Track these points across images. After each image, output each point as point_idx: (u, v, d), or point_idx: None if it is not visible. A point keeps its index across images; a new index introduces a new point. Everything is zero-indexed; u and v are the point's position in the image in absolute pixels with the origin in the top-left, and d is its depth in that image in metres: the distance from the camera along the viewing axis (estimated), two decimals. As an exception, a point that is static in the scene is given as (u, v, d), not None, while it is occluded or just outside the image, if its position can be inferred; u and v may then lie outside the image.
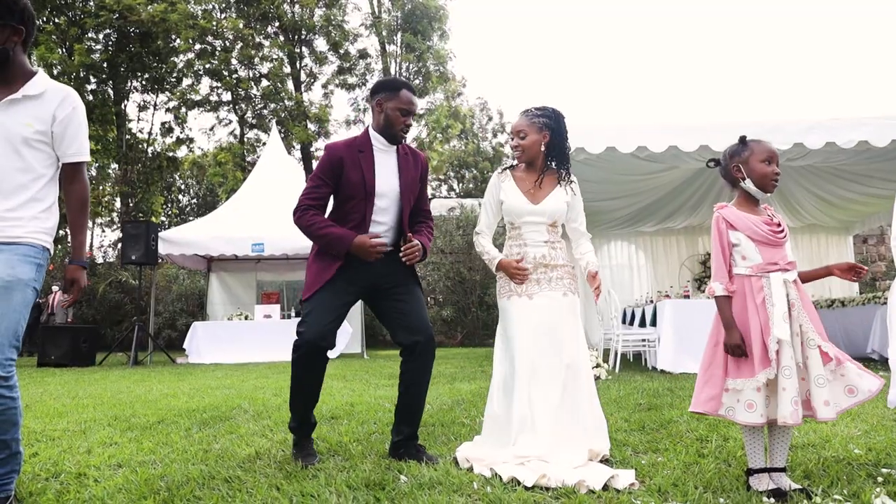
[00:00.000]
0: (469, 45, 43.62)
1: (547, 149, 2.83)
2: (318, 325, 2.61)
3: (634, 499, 2.02)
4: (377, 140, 2.78)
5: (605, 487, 2.16)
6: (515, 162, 2.93)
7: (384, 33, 22.57)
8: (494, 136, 28.37)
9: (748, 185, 2.24)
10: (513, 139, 2.87)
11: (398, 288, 2.78)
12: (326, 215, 2.78)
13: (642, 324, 8.14)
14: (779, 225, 2.21)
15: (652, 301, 8.48)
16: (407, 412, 2.77)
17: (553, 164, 2.87)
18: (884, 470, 2.29)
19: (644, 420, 3.43)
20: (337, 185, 2.72)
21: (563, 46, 46.77)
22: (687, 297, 7.51)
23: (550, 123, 2.82)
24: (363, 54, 22.46)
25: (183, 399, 4.93)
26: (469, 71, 46.91)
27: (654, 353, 7.08)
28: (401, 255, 2.70)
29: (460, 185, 27.71)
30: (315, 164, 21.59)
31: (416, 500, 2.05)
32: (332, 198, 2.82)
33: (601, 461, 2.50)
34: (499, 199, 2.89)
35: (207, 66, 20.51)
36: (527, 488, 2.19)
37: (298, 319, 2.74)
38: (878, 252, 15.38)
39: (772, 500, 1.97)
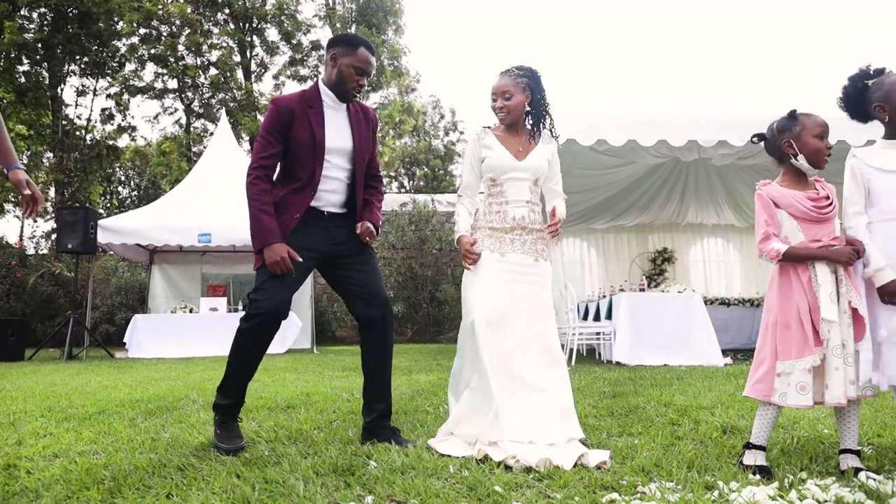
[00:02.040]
0: (422, 42, 43.48)
1: (528, 109, 2.80)
2: (278, 296, 2.47)
3: (620, 478, 1.94)
4: (327, 96, 2.65)
5: (576, 466, 2.10)
6: (495, 123, 2.88)
7: (338, 25, 22.16)
8: (446, 134, 28.32)
9: (801, 161, 2.16)
10: (496, 100, 2.79)
11: (355, 256, 2.68)
12: (276, 172, 2.63)
13: (596, 318, 8.20)
14: (827, 198, 2.14)
15: (605, 295, 8.55)
16: (378, 387, 2.64)
17: (531, 123, 2.83)
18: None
19: (612, 406, 3.38)
20: (286, 141, 2.57)
21: (517, 41, 47.12)
22: (643, 290, 7.59)
23: (531, 83, 2.78)
24: (316, 46, 21.99)
25: (125, 390, 4.62)
26: (422, 68, 46.73)
27: (609, 347, 7.12)
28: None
29: (411, 182, 27.53)
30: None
31: (392, 486, 1.91)
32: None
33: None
34: (480, 157, 2.81)
35: (153, 51, 19.66)
36: (507, 468, 2.09)
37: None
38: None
39: (758, 476, 1.93)
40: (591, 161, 8.00)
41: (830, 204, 2.13)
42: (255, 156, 2.58)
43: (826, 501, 1.69)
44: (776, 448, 2.33)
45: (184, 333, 9.75)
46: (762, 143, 2.30)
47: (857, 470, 1.94)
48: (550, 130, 2.88)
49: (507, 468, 2.12)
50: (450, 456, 2.31)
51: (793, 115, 2.20)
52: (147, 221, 10.07)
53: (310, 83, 22.37)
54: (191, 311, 10.29)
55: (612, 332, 7.10)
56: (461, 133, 28.43)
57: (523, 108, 2.79)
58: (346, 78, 2.60)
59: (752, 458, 2.06)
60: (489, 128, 2.89)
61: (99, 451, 2.49)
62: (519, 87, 2.76)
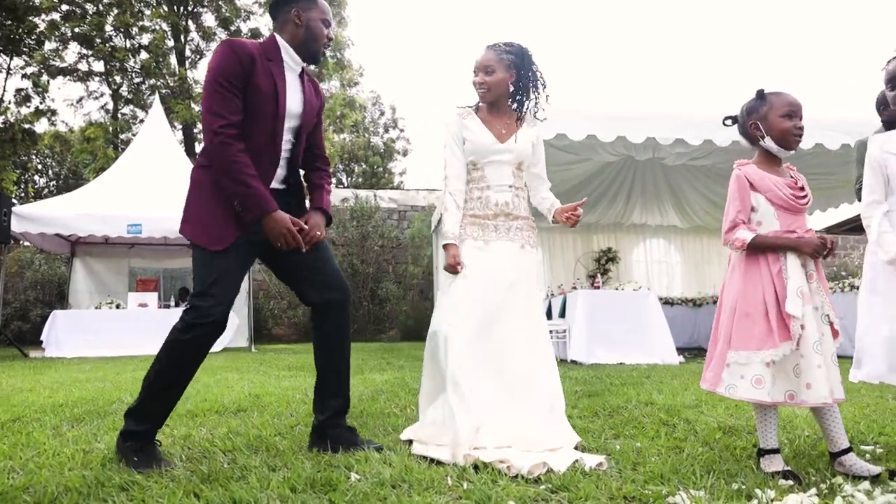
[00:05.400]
0: (363, 37, 42.83)
1: (513, 89, 2.57)
2: (227, 300, 2.09)
3: (641, 487, 1.73)
4: (287, 54, 2.29)
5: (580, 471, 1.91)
6: (477, 102, 2.64)
7: (279, 13, 21.39)
8: (386, 131, 27.95)
9: (768, 143, 2.02)
10: (477, 74, 2.55)
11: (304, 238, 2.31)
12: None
13: (549, 316, 8.10)
14: (802, 189, 2.00)
15: (553, 294, 8.48)
16: (335, 379, 2.33)
17: (516, 105, 2.61)
18: (864, 447, 2.17)
19: (592, 406, 3.20)
20: (243, 94, 2.16)
21: (465, 36, 47.12)
22: (597, 287, 7.53)
23: (517, 61, 2.55)
24: (255, 34, 21.10)
25: (44, 394, 4.09)
26: (363, 63, 46.02)
27: (564, 345, 7.01)
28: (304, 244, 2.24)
29: (349, 178, 26.97)
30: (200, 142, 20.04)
31: (386, 503, 1.63)
32: None
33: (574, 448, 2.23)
34: (461, 137, 2.57)
35: (76, 30, 18.31)
36: (514, 478, 1.85)
37: (185, 307, 2.12)
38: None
39: (789, 481, 1.76)
40: (548, 157, 7.85)
41: (805, 196, 2.01)
42: (214, 110, 2.10)
43: (877, 510, 1.53)
44: (784, 450, 2.19)
45: (109, 331, 9.02)
46: (735, 126, 2.16)
47: (893, 473, 1.80)
48: (534, 114, 2.65)
49: (498, 473, 1.87)
50: (435, 461, 2.07)
51: (761, 95, 2.06)
52: (70, 210, 9.26)
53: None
54: (117, 306, 9.55)
55: (567, 330, 7.00)
56: (401, 131, 28.14)
57: (506, 87, 2.56)
58: (317, 34, 2.30)
59: (772, 463, 1.90)
60: (470, 107, 2.65)
61: (16, 468, 2.08)
62: (503, 64, 2.53)
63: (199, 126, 20.43)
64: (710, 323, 7.26)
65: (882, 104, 4.14)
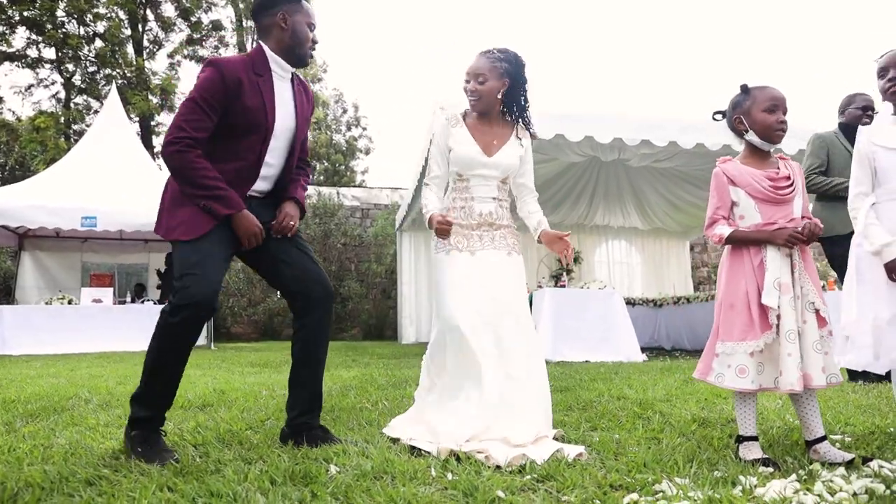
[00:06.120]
0: (326, 33, 42.37)
1: (504, 98, 2.52)
2: (209, 282, 2.03)
3: (624, 476, 1.73)
4: (275, 63, 2.24)
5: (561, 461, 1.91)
6: (467, 109, 2.59)
7: (241, 6, 20.96)
8: (349, 129, 27.68)
9: (752, 137, 2.06)
10: (469, 82, 2.50)
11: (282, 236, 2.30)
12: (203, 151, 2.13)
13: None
14: (787, 178, 2.03)
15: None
16: (311, 374, 2.27)
17: (507, 114, 2.57)
18: (834, 437, 2.23)
19: (566, 400, 3.21)
20: (225, 114, 2.12)
21: (426, 33, 47.01)
22: (563, 286, 7.59)
23: (511, 70, 2.49)
24: (217, 26, 20.64)
25: (-7, 390, 3.89)
26: (326, 59, 45.49)
27: (530, 343, 7.03)
28: (272, 230, 2.25)
29: (311, 176, 26.62)
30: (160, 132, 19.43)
31: (370, 494, 1.59)
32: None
33: (553, 439, 2.23)
34: (447, 146, 2.53)
35: (25, 13, 17.57)
36: (498, 467, 1.83)
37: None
38: (701, 259, 17.10)
39: (769, 468, 1.78)
40: (515, 156, 7.91)
41: (791, 185, 2.03)
42: (181, 122, 2.07)
43: (856, 494, 1.56)
44: (761, 439, 2.23)
45: (61, 328, 8.65)
46: (724, 121, 2.20)
47: (866, 459, 1.85)
48: (527, 126, 2.60)
49: (479, 465, 1.85)
50: (416, 448, 2.06)
51: (744, 90, 2.11)
52: (18, 200, 8.85)
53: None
54: (70, 302, 9.18)
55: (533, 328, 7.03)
56: (364, 129, 27.92)
57: (497, 96, 2.50)
58: (303, 38, 2.25)
59: (750, 451, 1.93)
60: (460, 115, 2.60)
61: (-29, 463, 1.96)
62: (496, 72, 2.47)
63: (157, 118, 19.87)
64: (669, 323, 7.45)
65: (846, 106, 4.28)
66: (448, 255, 2.46)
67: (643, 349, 8.88)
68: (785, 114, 2.04)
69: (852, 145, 4.20)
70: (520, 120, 2.57)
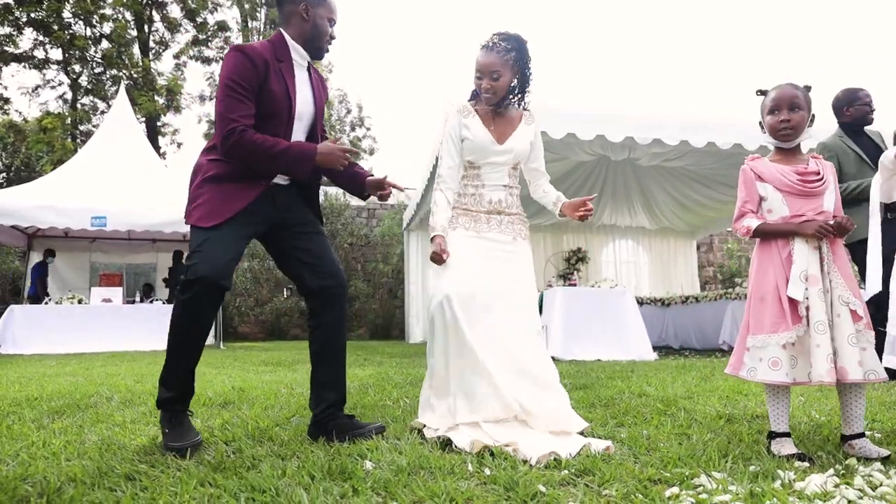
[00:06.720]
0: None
1: (515, 84, 2.55)
2: (215, 258, 2.07)
3: (661, 470, 1.74)
4: (295, 51, 2.29)
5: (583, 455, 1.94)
6: (473, 100, 2.61)
7: (247, 7, 21.00)
8: (353, 129, 27.68)
9: (768, 138, 2.12)
10: (481, 79, 2.50)
11: (304, 227, 2.35)
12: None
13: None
14: (817, 173, 2.04)
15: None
16: (333, 371, 2.31)
17: (515, 101, 2.59)
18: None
19: (588, 398, 3.21)
20: (256, 100, 2.17)
21: (429, 34, 47.00)
22: (574, 285, 7.59)
23: (519, 58, 2.51)
24: (222, 26, 20.70)
25: (13, 388, 3.91)
26: (332, 60, 45.53)
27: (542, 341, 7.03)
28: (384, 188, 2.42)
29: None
30: (170, 135, 19.39)
31: (410, 489, 1.59)
32: None
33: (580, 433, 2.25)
34: (461, 137, 2.55)
35: (32, 15, 17.64)
36: (527, 463, 1.84)
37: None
38: (707, 259, 17.07)
39: (805, 463, 1.79)
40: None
41: (820, 179, 2.05)
42: (228, 114, 2.09)
43: (897, 489, 1.56)
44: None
45: (72, 327, 8.70)
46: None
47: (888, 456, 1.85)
48: (521, 104, 2.61)
49: (516, 460, 1.86)
50: (448, 448, 2.07)
51: (762, 92, 2.17)
52: (28, 200, 8.90)
53: (214, 66, 20.84)
54: (80, 302, 9.21)
55: (545, 328, 7.03)
56: (368, 129, 27.93)
57: (510, 86, 2.53)
58: (322, 32, 2.31)
59: (783, 447, 1.93)
60: (470, 103, 2.62)
61: (6, 459, 1.97)
62: (508, 65, 2.48)
63: (163, 119, 19.91)
64: (677, 322, 7.43)
65: (846, 105, 4.12)
66: (454, 230, 2.50)
67: (652, 348, 8.91)
68: (791, 111, 2.05)
69: (857, 144, 4.14)
70: (521, 97, 2.57)
